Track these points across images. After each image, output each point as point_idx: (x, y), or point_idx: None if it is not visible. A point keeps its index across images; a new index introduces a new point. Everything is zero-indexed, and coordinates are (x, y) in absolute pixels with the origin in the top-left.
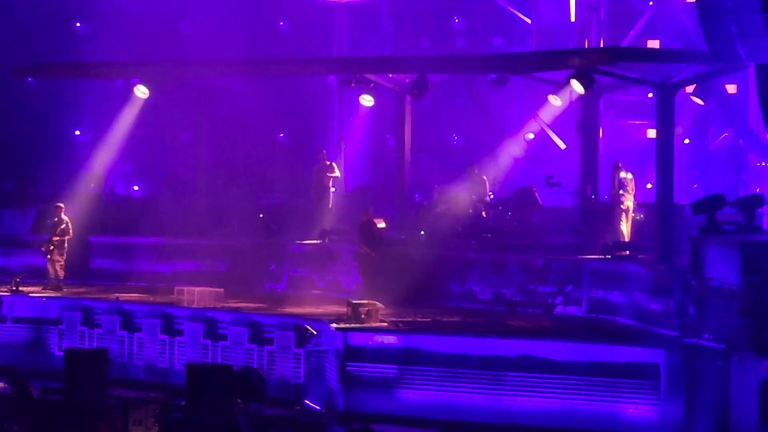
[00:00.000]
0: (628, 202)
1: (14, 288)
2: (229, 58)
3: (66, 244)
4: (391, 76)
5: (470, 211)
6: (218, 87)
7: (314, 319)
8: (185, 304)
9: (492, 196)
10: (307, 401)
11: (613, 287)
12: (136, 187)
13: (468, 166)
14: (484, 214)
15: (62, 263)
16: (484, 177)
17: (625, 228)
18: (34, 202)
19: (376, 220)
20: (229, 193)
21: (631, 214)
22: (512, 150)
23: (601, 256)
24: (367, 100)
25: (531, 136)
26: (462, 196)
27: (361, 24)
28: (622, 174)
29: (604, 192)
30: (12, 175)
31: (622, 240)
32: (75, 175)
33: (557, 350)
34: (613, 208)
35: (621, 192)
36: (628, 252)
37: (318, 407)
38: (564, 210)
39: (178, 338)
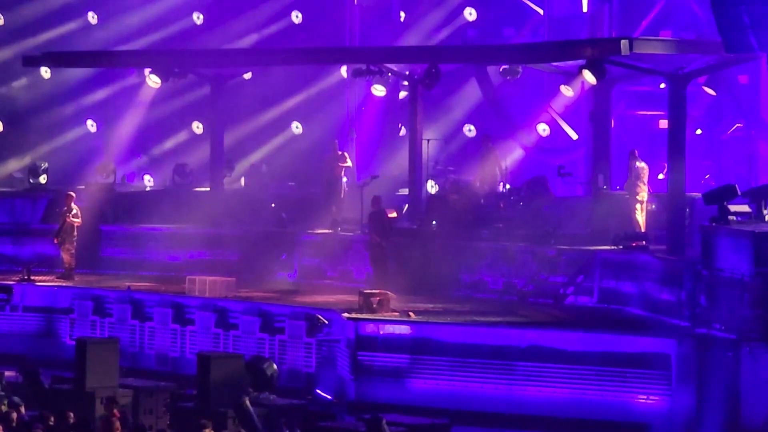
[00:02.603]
0: (644, 192)
1: (26, 277)
2: (240, 47)
3: (75, 232)
4: (402, 66)
5: (482, 201)
6: (230, 76)
7: (325, 309)
8: (196, 294)
9: (508, 188)
10: (318, 391)
11: (624, 277)
12: (147, 177)
13: (483, 138)
14: (501, 186)
15: (73, 251)
16: (497, 151)
17: (641, 218)
18: (46, 192)
19: (387, 210)
20: (241, 183)
21: (645, 204)
22: (522, 139)
23: (612, 247)
24: (378, 90)
25: (545, 128)
26: (473, 186)
27: (373, 14)
28: (638, 164)
29: (615, 182)
30: (24, 165)
31: (637, 230)
32: (87, 164)
33: (568, 340)
34: (629, 198)
35: (637, 182)
36: (644, 242)
37: (329, 397)
38: (575, 200)
39: (189, 327)
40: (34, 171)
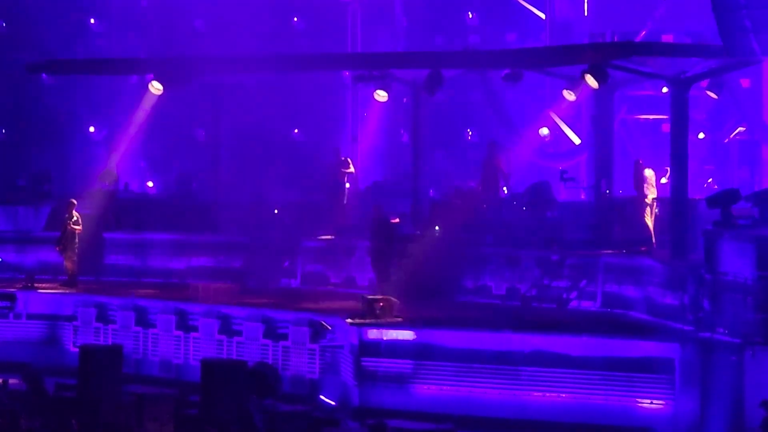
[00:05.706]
0: (652, 195)
1: (29, 284)
2: (243, 54)
3: (77, 239)
4: (404, 71)
5: (485, 206)
6: (232, 83)
7: (329, 315)
8: (200, 300)
9: (509, 192)
10: (322, 397)
11: (627, 282)
12: (150, 184)
13: (488, 144)
14: (504, 192)
15: (75, 259)
16: (501, 157)
17: (650, 221)
18: (49, 199)
19: (389, 216)
20: (244, 189)
21: (654, 208)
22: (525, 144)
23: (616, 251)
24: (381, 96)
25: (546, 131)
26: (476, 191)
27: (375, 19)
28: (645, 171)
29: (618, 187)
30: (26, 172)
31: (648, 234)
32: (89, 171)
33: (572, 345)
34: (638, 203)
35: (645, 186)
36: (645, 248)
37: (333, 403)
38: (578, 205)
39: (193, 334)
40: (37, 178)
